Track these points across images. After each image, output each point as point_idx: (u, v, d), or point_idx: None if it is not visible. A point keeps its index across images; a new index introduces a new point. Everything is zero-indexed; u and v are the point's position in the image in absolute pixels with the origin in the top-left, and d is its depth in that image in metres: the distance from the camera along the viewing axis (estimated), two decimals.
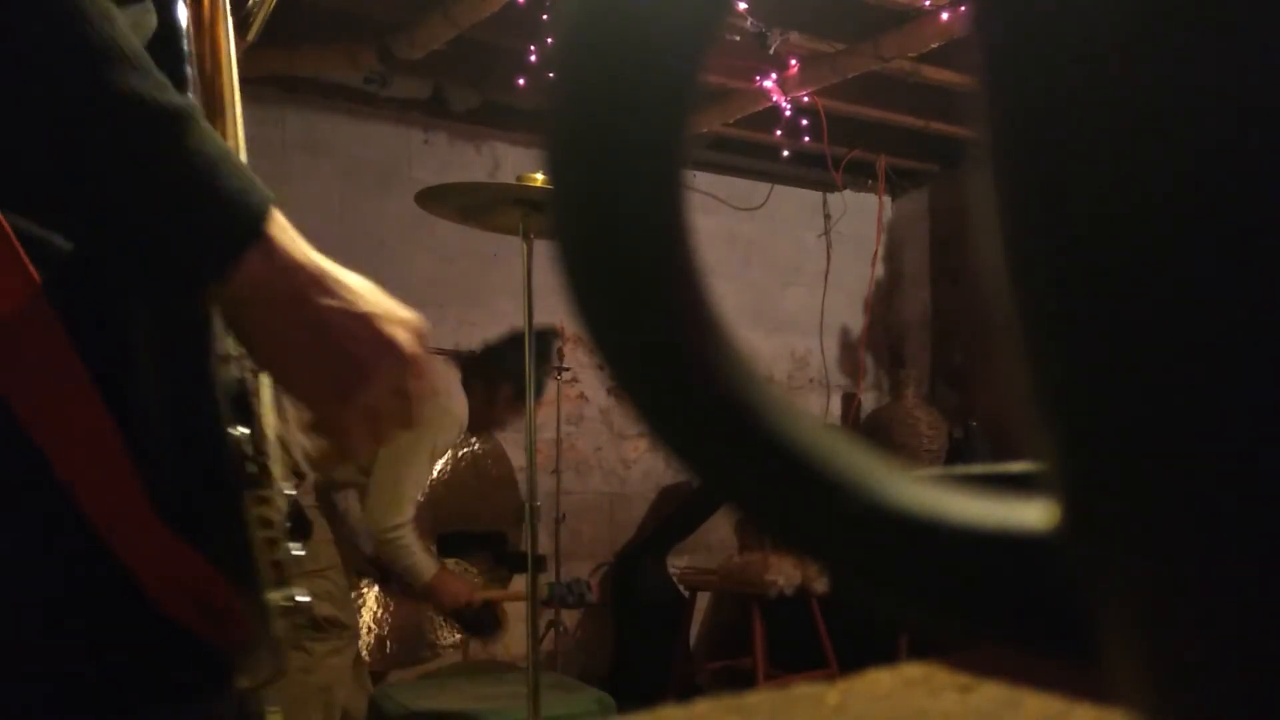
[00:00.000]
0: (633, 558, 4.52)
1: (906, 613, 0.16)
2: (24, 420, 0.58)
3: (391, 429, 0.68)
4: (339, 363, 0.65)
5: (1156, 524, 0.12)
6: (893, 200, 5.28)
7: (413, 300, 0.72)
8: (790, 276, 5.04)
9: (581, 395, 4.51)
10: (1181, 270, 0.11)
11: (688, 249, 0.16)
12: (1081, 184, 0.11)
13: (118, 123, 0.56)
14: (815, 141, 4.30)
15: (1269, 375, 0.10)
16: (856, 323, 5.18)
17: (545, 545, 3.86)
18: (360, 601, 3.22)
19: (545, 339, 2.63)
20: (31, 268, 0.58)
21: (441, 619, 3.35)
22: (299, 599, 0.71)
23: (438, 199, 2.41)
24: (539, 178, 2.32)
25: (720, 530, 4.65)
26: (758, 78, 3.81)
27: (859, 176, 4.98)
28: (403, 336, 0.68)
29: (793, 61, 3.75)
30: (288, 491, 0.74)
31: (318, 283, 0.65)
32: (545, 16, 3.38)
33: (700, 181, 4.63)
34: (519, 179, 2.42)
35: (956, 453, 4.67)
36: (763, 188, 4.93)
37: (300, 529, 2.69)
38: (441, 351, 3.07)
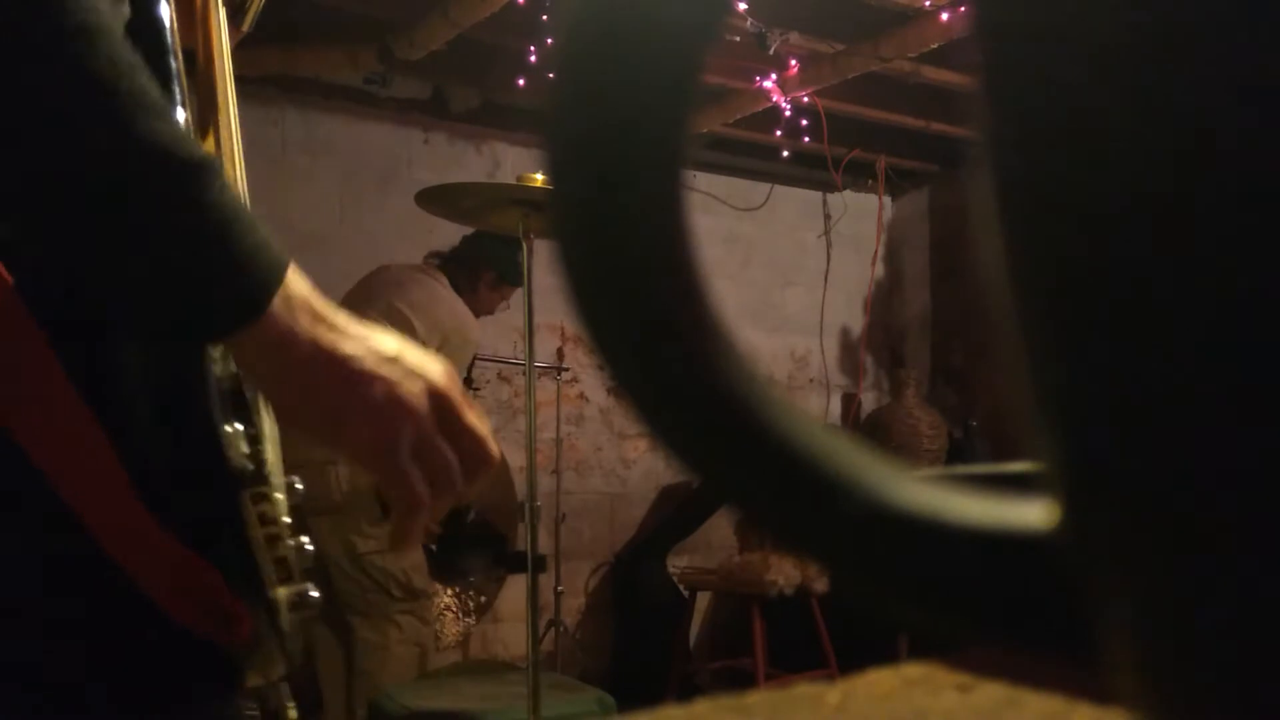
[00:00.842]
0: (633, 558, 4.52)
1: (907, 613, 0.16)
2: (4, 421, 0.58)
3: (454, 473, 0.66)
4: (369, 403, 0.63)
5: (1156, 524, 0.12)
6: (893, 200, 5.28)
7: None
8: (790, 276, 5.04)
9: (581, 395, 4.51)
10: (1182, 269, 0.11)
11: (688, 249, 0.16)
12: (1082, 184, 0.11)
13: (139, 170, 0.56)
14: (815, 142, 4.30)
15: (1270, 375, 0.10)
16: (856, 323, 5.18)
17: (545, 545, 3.86)
18: None
19: (504, 240, 2.68)
20: (3, 269, 0.58)
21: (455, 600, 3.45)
22: (310, 594, 0.71)
23: (438, 199, 2.41)
24: (539, 178, 2.32)
25: (720, 530, 4.64)
26: (758, 78, 3.81)
27: (859, 176, 4.98)
28: (434, 374, 0.66)
29: (793, 61, 3.75)
30: (299, 485, 0.73)
31: (337, 333, 0.63)
32: (545, 16, 3.38)
33: (700, 181, 4.63)
34: (519, 179, 2.42)
35: (956, 453, 4.67)
36: (763, 188, 4.93)
37: (383, 509, 2.67)
38: (415, 265, 3.14)
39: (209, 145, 0.77)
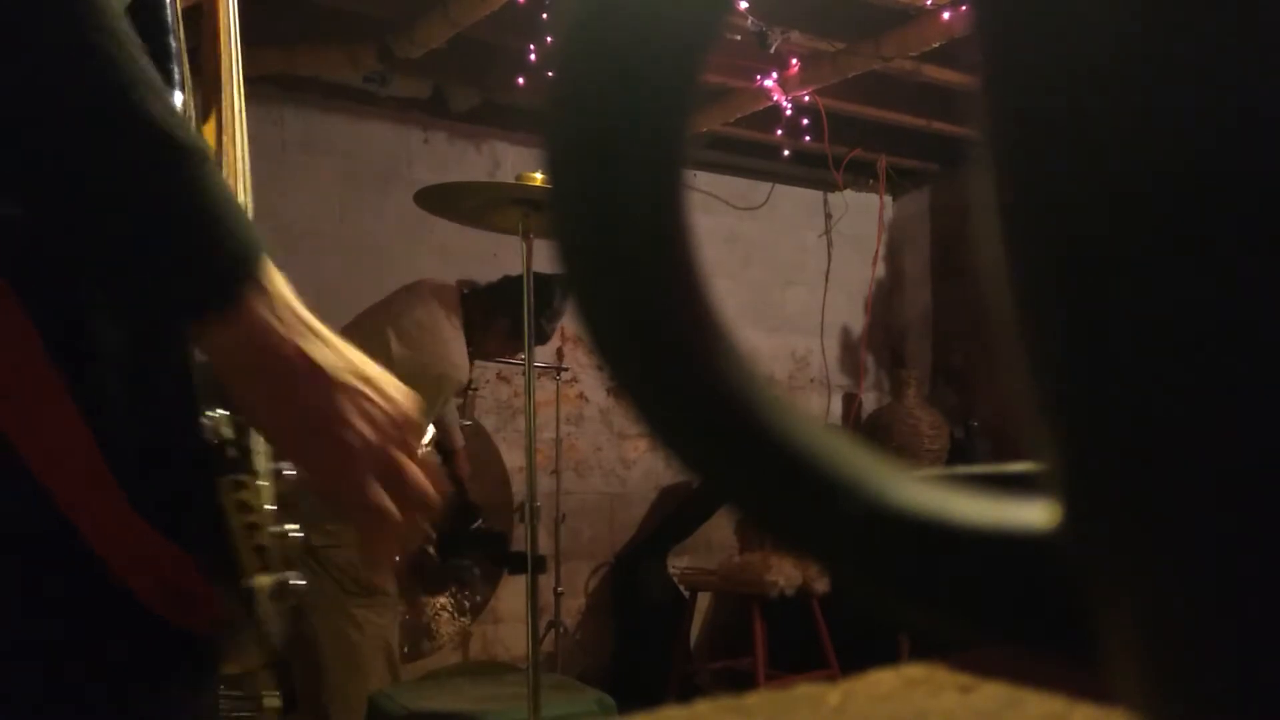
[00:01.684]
0: (633, 558, 4.52)
1: (907, 613, 0.16)
2: None
3: (413, 491, 0.66)
4: (319, 414, 0.63)
5: (1156, 524, 0.12)
6: (893, 200, 5.28)
7: None
8: (790, 276, 5.04)
9: (581, 395, 4.51)
10: (1182, 269, 0.10)
11: (688, 248, 0.16)
12: (1082, 183, 0.11)
13: (138, 143, 0.57)
14: (816, 141, 4.30)
15: (1270, 374, 0.10)
16: (857, 323, 5.18)
17: (545, 545, 3.86)
18: None
19: (547, 285, 2.69)
20: None
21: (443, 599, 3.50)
22: (292, 582, 0.70)
23: (438, 199, 2.41)
24: (539, 177, 2.32)
25: (720, 530, 4.64)
26: (758, 77, 3.81)
27: (859, 176, 4.98)
28: (393, 393, 0.66)
29: (793, 61, 3.75)
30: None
31: (306, 334, 0.63)
32: (545, 16, 3.38)
33: (700, 181, 4.62)
34: (519, 179, 2.42)
35: (957, 453, 4.67)
36: (763, 187, 4.93)
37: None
38: (446, 285, 3.15)
39: (210, 128, 0.77)
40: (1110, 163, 0.11)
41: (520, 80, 3.78)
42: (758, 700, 0.38)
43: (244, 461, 0.69)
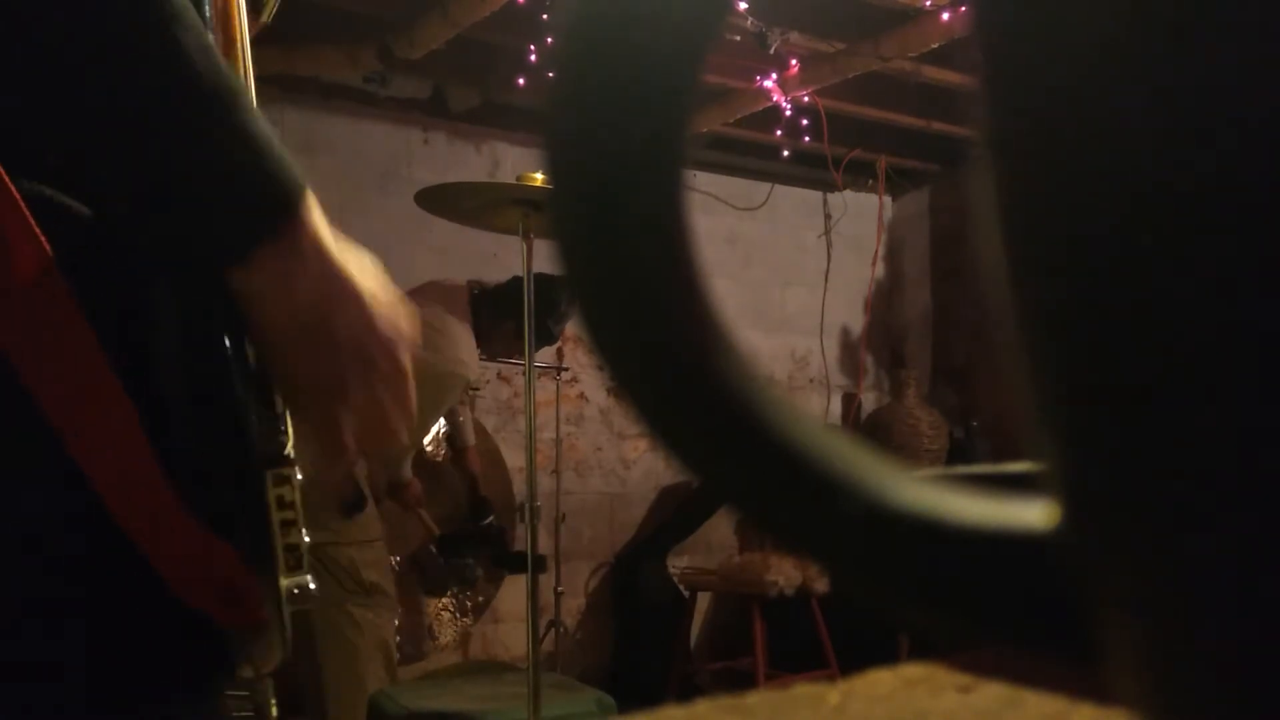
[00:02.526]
0: (633, 558, 4.52)
1: (907, 613, 0.16)
2: (36, 397, 0.58)
3: (382, 435, 0.69)
4: (342, 361, 0.65)
5: (1156, 524, 0.12)
6: (893, 200, 5.28)
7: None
8: (790, 276, 5.04)
9: (581, 395, 4.51)
10: (1182, 270, 0.10)
11: (688, 249, 0.16)
12: (1082, 183, 0.11)
13: (178, 79, 0.57)
14: (815, 141, 4.30)
15: (1269, 374, 0.10)
16: (856, 323, 5.18)
17: (545, 545, 3.86)
18: None
19: (554, 288, 2.71)
20: (45, 241, 0.58)
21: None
22: (308, 586, 0.70)
23: (438, 199, 2.41)
24: (539, 178, 2.32)
25: (720, 530, 4.64)
26: (758, 77, 3.81)
27: (859, 176, 4.98)
28: (404, 339, 0.69)
29: (793, 61, 3.75)
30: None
31: (338, 283, 0.65)
32: (545, 16, 3.38)
33: (700, 181, 4.62)
34: (519, 179, 2.42)
35: (957, 453, 4.67)
36: (763, 187, 4.93)
37: (355, 504, 2.71)
38: (455, 286, 3.18)
39: None
40: (1111, 161, 0.11)
41: (520, 80, 3.78)
42: (757, 700, 0.38)
43: (285, 457, 0.69)
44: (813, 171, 4.81)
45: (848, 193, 5.08)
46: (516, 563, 3.59)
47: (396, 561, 3.35)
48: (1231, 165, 0.10)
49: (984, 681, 0.39)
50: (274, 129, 0.63)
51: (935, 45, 3.45)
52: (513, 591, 3.99)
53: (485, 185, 2.66)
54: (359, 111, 4.09)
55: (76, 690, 0.61)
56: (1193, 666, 0.12)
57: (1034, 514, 0.15)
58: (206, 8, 0.69)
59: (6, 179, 0.57)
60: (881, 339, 5.25)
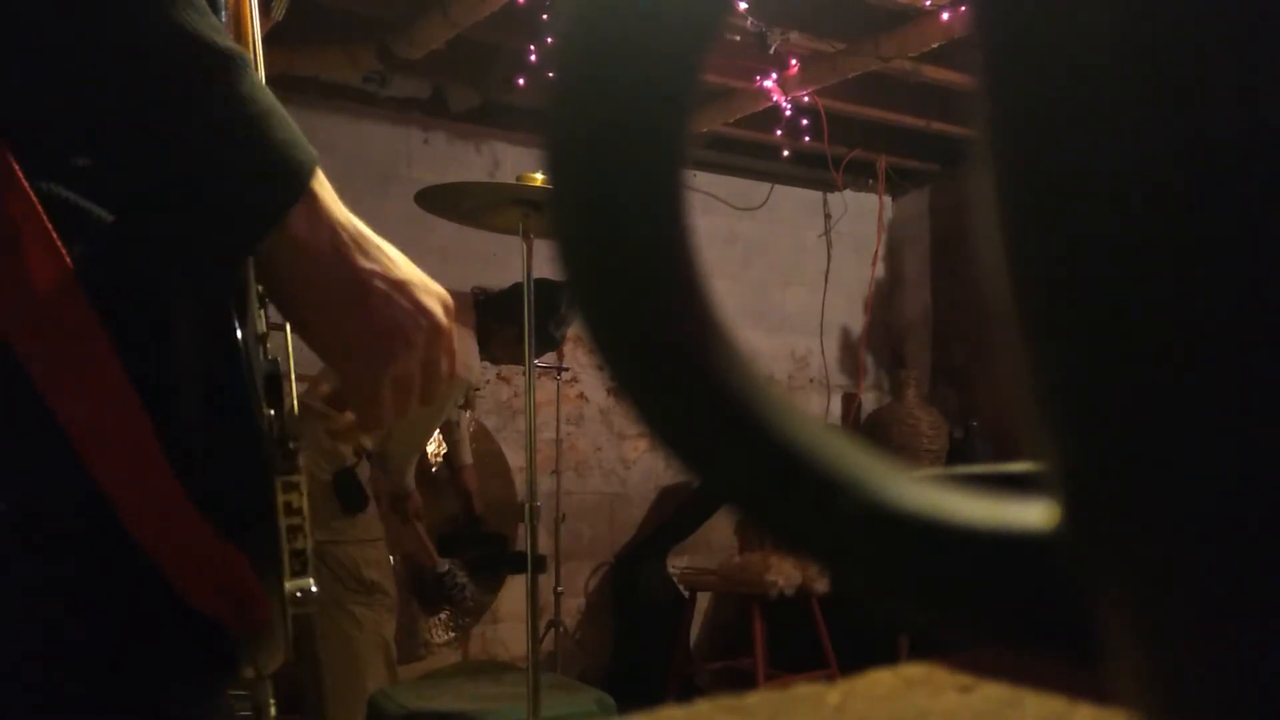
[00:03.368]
0: (633, 558, 4.52)
1: (906, 613, 0.16)
2: (51, 404, 0.57)
3: (415, 400, 0.69)
4: (378, 327, 0.66)
5: (1157, 524, 0.12)
6: (893, 200, 5.28)
7: None
8: (790, 276, 5.04)
9: (581, 395, 4.51)
10: (1182, 269, 0.10)
11: (688, 249, 0.16)
12: (1082, 183, 0.11)
13: (176, 58, 0.57)
14: (815, 141, 4.30)
15: (1269, 374, 0.10)
16: (856, 323, 5.18)
17: (545, 545, 3.85)
18: None
19: (555, 292, 2.72)
20: (63, 249, 0.58)
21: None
22: (311, 590, 0.71)
23: (437, 199, 2.41)
24: (539, 178, 2.32)
25: (720, 530, 4.64)
26: (758, 77, 3.81)
27: (859, 176, 4.98)
28: (436, 308, 0.69)
29: (793, 61, 3.76)
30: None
31: (359, 244, 0.66)
32: (545, 16, 3.38)
33: (700, 181, 4.63)
34: (519, 179, 2.42)
35: (957, 453, 4.67)
36: (763, 187, 4.93)
37: (357, 503, 2.70)
38: (459, 294, 3.21)
39: None
40: (1110, 160, 0.11)
41: (520, 80, 3.79)
42: (757, 700, 0.38)
43: (294, 463, 0.69)
44: (813, 171, 4.81)
45: (848, 193, 5.08)
46: (516, 563, 3.60)
47: (395, 561, 3.36)
48: (1232, 165, 0.10)
49: (984, 681, 0.39)
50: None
51: (935, 45, 3.46)
52: (512, 591, 3.99)
53: (485, 185, 2.66)
54: (359, 111, 4.09)
55: (82, 689, 0.61)
56: (1192, 667, 0.12)
57: (1034, 514, 0.15)
58: (220, 4, 0.69)
59: (25, 184, 0.57)
60: (881, 339, 5.25)
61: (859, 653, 1.84)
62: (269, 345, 0.72)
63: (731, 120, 4.15)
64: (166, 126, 0.58)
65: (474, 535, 3.72)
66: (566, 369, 4.19)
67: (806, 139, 4.31)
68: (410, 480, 3.30)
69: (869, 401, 5.14)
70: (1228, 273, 0.10)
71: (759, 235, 4.94)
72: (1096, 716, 0.35)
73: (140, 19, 0.56)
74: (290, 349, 0.81)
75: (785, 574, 3.77)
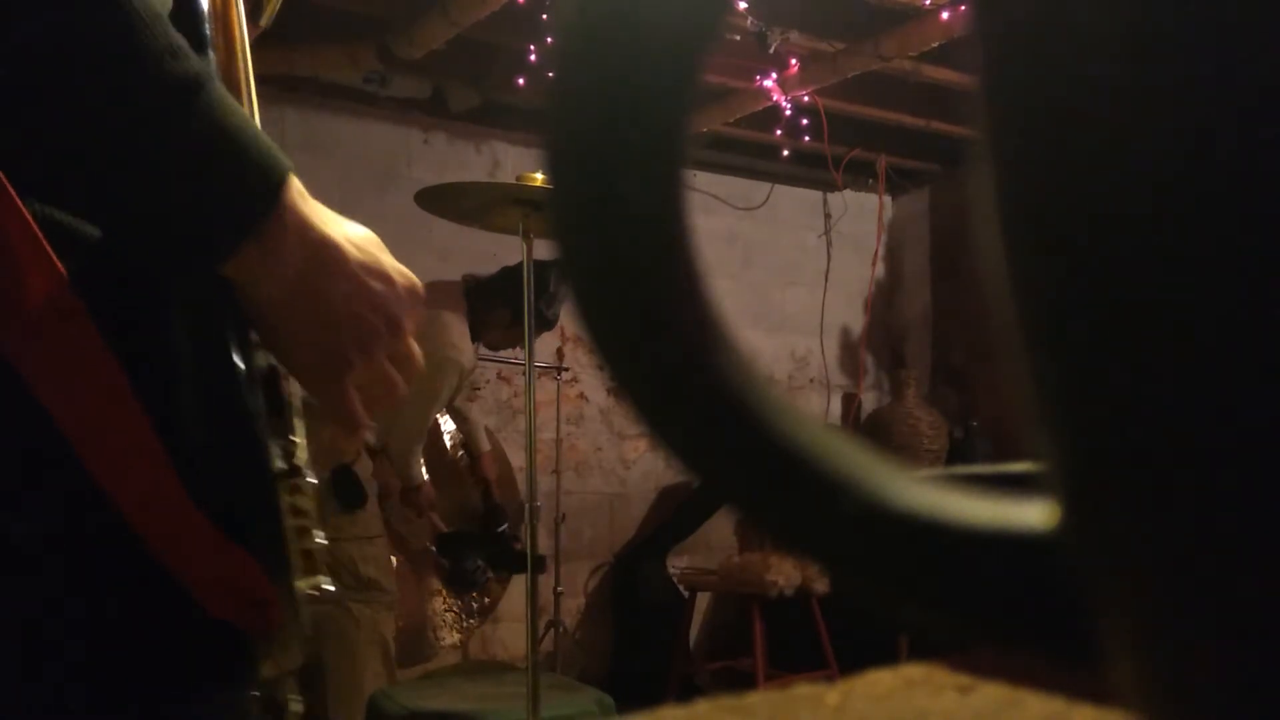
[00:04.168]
0: (633, 558, 4.52)
1: (907, 613, 0.16)
2: (54, 417, 0.58)
3: (388, 398, 0.70)
4: (341, 341, 0.66)
5: (1157, 524, 0.12)
6: (893, 200, 5.28)
7: None
8: (790, 276, 5.04)
9: (581, 395, 4.51)
10: (1182, 270, 0.10)
11: (688, 249, 0.16)
12: (1082, 183, 0.11)
13: (134, 82, 0.56)
14: (815, 141, 4.30)
15: (1269, 374, 0.10)
16: (856, 323, 5.18)
17: (545, 545, 3.86)
18: None
19: (545, 271, 2.73)
20: (58, 262, 0.58)
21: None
22: (325, 588, 0.71)
23: (437, 199, 2.41)
24: (539, 178, 2.32)
25: (720, 530, 4.64)
26: (758, 77, 3.81)
27: (859, 176, 4.98)
28: (395, 303, 0.70)
29: (793, 61, 3.75)
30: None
31: (327, 256, 0.65)
32: (545, 16, 3.38)
33: (700, 181, 4.62)
34: (519, 179, 2.42)
35: (957, 453, 4.67)
36: (763, 187, 4.93)
37: (355, 499, 2.70)
38: (450, 283, 3.21)
39: None
40: (1110, 160, 0.11)
41: (520, 80, 3.78)
42: (757, 700, 0.38)
43: (297, 465, 0.70)
44: (813, 171, 4.81)
45: (848, 192, 5.08)
46: (516, 562, 3.59)
47: (398, 561, 3.35)
48: (1232, 166, 0.10)
49: (984, 681, 0.39)
50: (272, 127, 0.63)
51: (935, 45, 3.45)
52: (512, 591, 3.99)
53: (485, 185, 2.66)
54: (359, 111, 4.09)
55: (102, 690, 0.61)
56: (1192, 667, 0.12)
57: (1034, 514, 0.15)
58: (203, 12, 0.69)
59: (19, 202, 0.57)
60: (881, 339, 5.25)
61: (859, 653, 1.84)
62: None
63: (731, 120, 4.15)
64: (123, 152, 0.57)
65: (482, 537, 3.71)
66: (567, 369, 4.19)
67: (806, 139, 4.31)
68: (417, 472, 3.29)
69: (869, 401, 5.13)
70: (1227, 273, 0.10)
71: (759, 235, 4.94)
72: (1096, 716, 0.35)
73: (98, 45, 0.56)
74: None
75: (785, 574, 3.77)
